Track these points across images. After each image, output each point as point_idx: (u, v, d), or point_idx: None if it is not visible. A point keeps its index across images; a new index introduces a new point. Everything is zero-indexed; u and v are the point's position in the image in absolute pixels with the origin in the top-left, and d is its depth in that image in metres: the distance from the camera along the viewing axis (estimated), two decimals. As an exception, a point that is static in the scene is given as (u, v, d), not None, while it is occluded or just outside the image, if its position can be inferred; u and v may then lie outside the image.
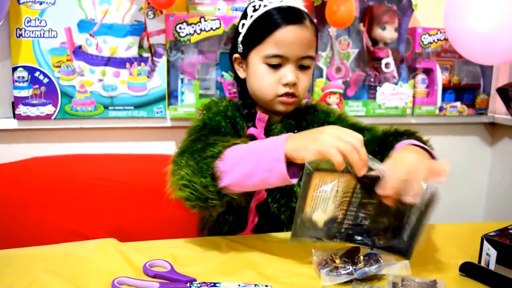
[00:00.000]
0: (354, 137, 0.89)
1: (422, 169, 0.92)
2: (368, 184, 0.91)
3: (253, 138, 1.21)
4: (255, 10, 1.22)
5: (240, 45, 1.26)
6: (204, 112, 1.24)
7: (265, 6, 1.21)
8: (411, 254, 0.94)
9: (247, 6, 1.26)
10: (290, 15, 1.19)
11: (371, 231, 0.95)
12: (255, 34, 1.22)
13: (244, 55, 1.25)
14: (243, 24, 1.25)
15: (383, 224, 0.95)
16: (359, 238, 0.95)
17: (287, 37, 1.18)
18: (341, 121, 1.31)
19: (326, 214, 0.91)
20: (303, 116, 1.32)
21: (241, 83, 1.30)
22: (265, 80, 1.21)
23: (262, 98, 1.24)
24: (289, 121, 1.28)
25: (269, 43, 1.19)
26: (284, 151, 0.92)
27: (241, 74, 1.28)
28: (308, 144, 0.90)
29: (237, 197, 1.02)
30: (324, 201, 0.90)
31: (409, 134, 1.19)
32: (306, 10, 1.24)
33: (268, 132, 1.25)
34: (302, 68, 1.22)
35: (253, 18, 1.22)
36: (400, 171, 0.89)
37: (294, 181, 0.93)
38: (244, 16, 1.25)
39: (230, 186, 0.99)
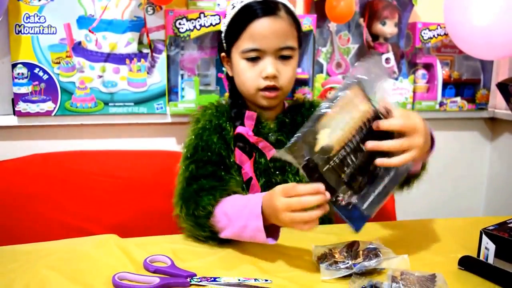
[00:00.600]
0: (300, 200, 0.91)
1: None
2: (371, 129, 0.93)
3: (241, 137, 1.22)
4: (233, 8, 1.23)
5: (224, 44, 1.27)
6: (195, 124, 1.26)
7: (241, 2, 1.21)
8: (361, 227, 0.95)
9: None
10: (263, 8, 1.18)
11: (344, 185, 0.93)
12: (232, 31, 1.23)
13: (228, 53, 1.27)
14: (224, 23, 1.26)
15: (358, 183, 0.94)
16: (331, 184, 0.92)
17: (261, 29, 1.18)
18: None
19: (330, 137, 0.89)
20: (298, 110, 1.32)
21: (231, 81, 1.31)
22: (245, 75, 1.22)
23: (246, 93, 1.25)
24: (283, 119, 1.28)
25: (245, 38, 1.20)
26: (262, 220, 0.97)
27: (230, 72, 1.30)
28: (275, 220, 0.97)
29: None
30: (337, 123, 0.90)
31: None
32: (283, 1, 1.23)
33: (259, 130, 1.25)
34: (283, 58, 1.22)
35: (231, 16, 1.23)
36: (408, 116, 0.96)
37: (273, 242, 1.00)
38: (225, 15, 1.27)
39: (229, 238, 1.06)
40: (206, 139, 1.21)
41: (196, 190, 1.12)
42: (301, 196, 0.90)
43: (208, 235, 1.07)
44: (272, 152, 1.23)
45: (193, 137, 1.23)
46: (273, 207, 0.94)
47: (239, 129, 1.22)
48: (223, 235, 1.05)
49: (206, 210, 1.06)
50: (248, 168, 1.21)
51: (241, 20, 1.20)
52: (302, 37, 1.56)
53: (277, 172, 1.24)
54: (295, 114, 1.31)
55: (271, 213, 0.96)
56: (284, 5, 1.22)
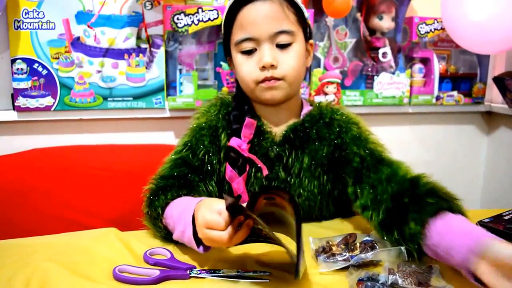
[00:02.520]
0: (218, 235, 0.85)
1: None
2: None
3: (233, 150, 1.15)
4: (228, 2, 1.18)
5: (224, 44, 1.23)
6: (196, 120, 1.22)
7: None
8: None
9: None
10: None
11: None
12: (226, 25, 1.17)
13: (229, 53, 1.21)
14: (222, 21, 1.21)
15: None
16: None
17: (249, 16, 1.11)
18: (360, 140, 1.14)
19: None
20: (316, 123, 1.18)
21: (237, 84, 1.24)
22: (242, 68, 1.15)
23: (247, 89, 1.17)
24: (289, 135, 1.17)
25: (236, 29, 1.14)
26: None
27: (234, 73, 1.23)
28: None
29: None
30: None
31: (440, 198, 0.97)
32: None
33: (260, 142, 1.17)
34: (282, 47, 1.12)
35: (225, 11, 1.17)
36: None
37: (202, 251, 0.93)
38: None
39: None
40: (197, 138, 1.17)
41: (160, 187, 1.10)
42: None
43: (164, 235, 1.06)
44: (265, 172, 1.15)
45: (189, 132, 1.21)
46: (196, 219, 0.91)
47: (232, 142, 1.15)
48: (173, 237, 1.01)
49: (156, 212, 1.05)
50: (237, 185, 1.15)
51: (230, 12, 1.15)
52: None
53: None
54: (310, 127, 1.17)
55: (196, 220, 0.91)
56: None
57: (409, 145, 2.00)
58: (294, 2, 1.15)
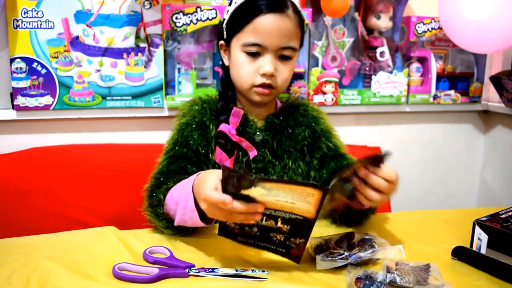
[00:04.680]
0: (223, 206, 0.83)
1: None
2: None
3: (223, 134, 1.20)
4: None
5: (225, 32, 1.25)
6: (180, 119, 1.26)
7: None
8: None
9: None
10: (271, 3, 1.15)
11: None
12: (236, 21, 1.20)
13: (228, 42, 1.24)
14: (228, 10, 1.24)
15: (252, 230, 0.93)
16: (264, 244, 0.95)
17: (266, 25, 1.15)
18: (328, 133, 1.30)
19: (260, 196, 0.85)
20: (292, 113, 1.31)
21: (226, 70, 1.29)
22: (243, 68, 1.20)
23: (240, 86, 1.23)
24: (273, 119, 1.27)
25: (248, 31, 1.17)
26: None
27: (226, 61, 1.28)
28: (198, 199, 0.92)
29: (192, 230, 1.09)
30: (277, 194, 0.85)
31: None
32: None
33: (245, 129, 1.24)
34: (283, 58, 1.20)
35: (237, 4, 1.20)
36: None
37: (203, 225, 0.97)
38: (230, 2, 1.24)
39: (180, 225, 1.05)
40: (186, 135, 1.21)
41: (160, 182, 1.12)
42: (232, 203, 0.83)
43: (166, 224, 1.07)
44: (254, 153, 1.22)
45: (175, 132, 1.24)
46: (198, 190, 0.91)
47: (222, 127, 1.21)
48: (175, 222, 1.04)
49: (157, 199, 1.07)
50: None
51: (247, 12, 1.17)
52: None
53: (260, 173, 1.23)
54: (287, 116, 1.29)
55: (196, 193, 0.93)
56: (293, 4, 1.20)
57: (406, 144, 2.00)
58: (303, 20, 1.23)
